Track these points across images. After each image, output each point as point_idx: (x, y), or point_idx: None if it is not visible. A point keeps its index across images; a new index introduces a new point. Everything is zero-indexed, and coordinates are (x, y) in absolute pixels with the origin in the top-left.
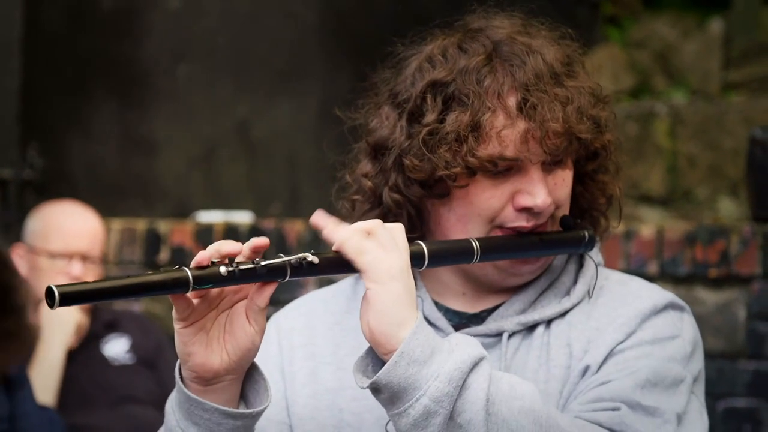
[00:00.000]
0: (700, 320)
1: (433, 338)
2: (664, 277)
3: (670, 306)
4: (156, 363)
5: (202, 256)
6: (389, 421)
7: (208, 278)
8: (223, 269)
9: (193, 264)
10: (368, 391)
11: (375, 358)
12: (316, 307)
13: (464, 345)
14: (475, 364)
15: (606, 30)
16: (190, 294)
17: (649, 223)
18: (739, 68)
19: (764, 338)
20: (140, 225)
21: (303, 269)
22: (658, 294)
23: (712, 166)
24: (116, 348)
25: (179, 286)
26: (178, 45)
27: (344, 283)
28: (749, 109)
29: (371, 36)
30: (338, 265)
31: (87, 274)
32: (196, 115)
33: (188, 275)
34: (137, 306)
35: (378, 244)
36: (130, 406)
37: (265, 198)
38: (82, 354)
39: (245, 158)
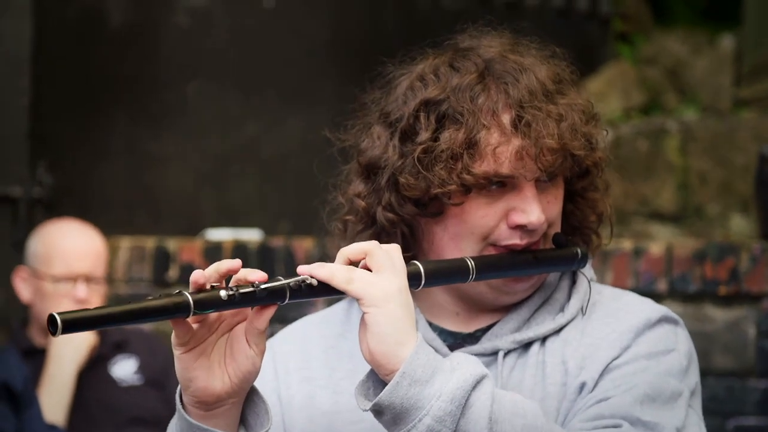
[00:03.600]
0: (710, 338)
1: (434, 358)
2: (673, 294)
3: (663, 319)
4: (164, 383)
5: (199, 278)
6: None
7: (208, 302)
8: (223, 293)
9: (191, 286)
10: (365, 414)
11: (376, 380)
12: (310, 331)
13: (466, 364)
14: (477, 383)
15: (617, 47)
16: (190, 319)
17: (659, 241)
18: (750, 84)
19: None
20: (149, 243)
21: (302, 291)
22: (651, 308)
23: (723, 182)
24: (124, 369)
25: (180, 311)
26: (187, 62)
27: (337, 307)
28: (760, 125)
29: (382, 54)
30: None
31: (92, 295)
32: (205, 132)
33: (189, 300)
34: (147, 325)
35: (369, 269)
36: (137, 428)
37: (275, 216)
38: (90, 375)
39: (255, 176)
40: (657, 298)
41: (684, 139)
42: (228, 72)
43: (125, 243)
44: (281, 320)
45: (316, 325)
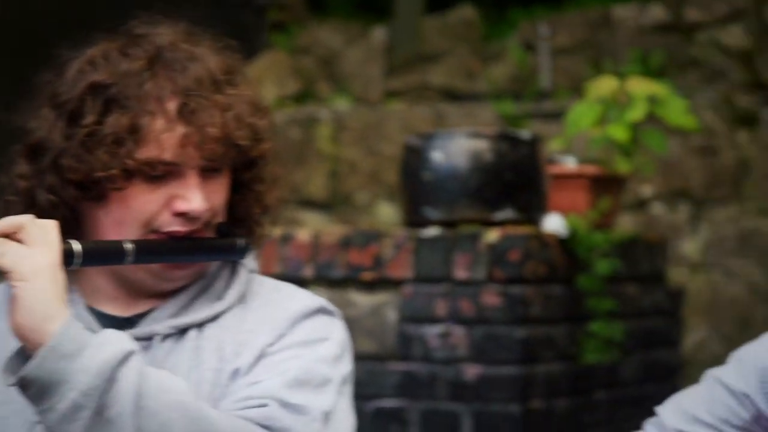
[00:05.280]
0: (353, 323)
1: (83, 333)
2: (319, 280)
3: (320, 310)
4: None
5: None
6: (36, 423)
7: None
8: None
9: None
10: (15, 395)
11: (25, 357)
12: None
13: (115, 340)
14: (125, 358)
15: (272, 36)
16: None
17: (306, 227)
18: (399, 76)
19: (413, 340)
20: None
21: None
22: (309, 299)
23: (372, 171)
24: None
25: None
26: None
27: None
28: (409, 116)
29: (32, 38)
30: None
31: None
32: None
33: None
34: None
35: (22, 243)
36: None
37: None
38: None
39: None
40: (303, 283)
41: (335, 128)
42: None
43: None
44: None
45: None
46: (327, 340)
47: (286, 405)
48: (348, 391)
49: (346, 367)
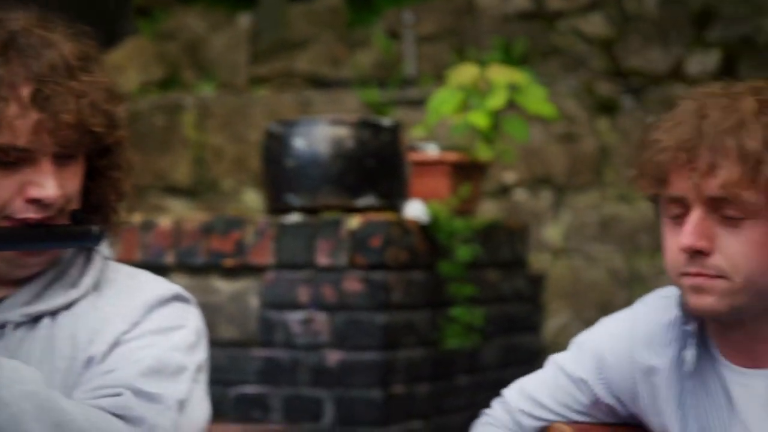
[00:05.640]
0: (215, 310)
1: None
2: (180, 267)
3: (175, 298)
4: None
5: None
6: None
7: None
8: None
9: None
10: None
11: None
12: None
13: None
14: None
15: (137, 21)
16: None
17: (170, 214)
18: (265, 63)
19: (275, 326)
20: None
21: None
22: (164, 286)
23: (237, 158)
24: None
25: None
26: None
27: None
28: (274, 103)
29: None
30: None
31: None
32: None
33: None
34: None
35: None
36: None
37: None
38: None
39: None
40: (165, 271)
41: (200, 115)
42: None
43: None
44: None
45: None
46: (182, 327)
47: (140, 394)
48: (203, 378)
49: (201, 354)
